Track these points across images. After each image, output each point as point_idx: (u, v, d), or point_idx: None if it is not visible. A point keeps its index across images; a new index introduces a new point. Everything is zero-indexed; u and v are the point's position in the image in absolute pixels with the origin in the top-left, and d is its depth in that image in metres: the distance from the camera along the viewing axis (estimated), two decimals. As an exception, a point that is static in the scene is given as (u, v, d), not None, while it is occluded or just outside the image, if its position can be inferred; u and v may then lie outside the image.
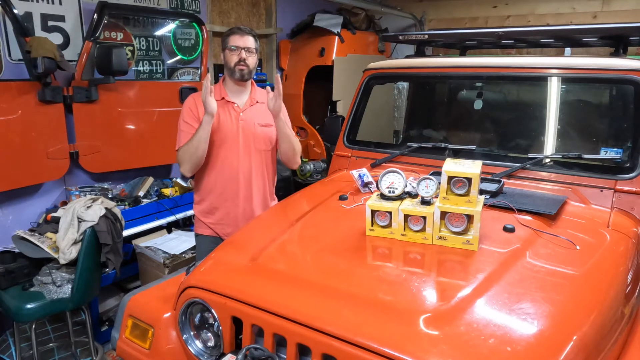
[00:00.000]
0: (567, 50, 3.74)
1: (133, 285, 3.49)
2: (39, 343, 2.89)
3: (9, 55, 3.04)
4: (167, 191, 3.61)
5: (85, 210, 2.67)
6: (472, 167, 1.61)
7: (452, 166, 1.62)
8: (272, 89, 2.26)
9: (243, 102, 2.39)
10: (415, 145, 2.45)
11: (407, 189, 1.78)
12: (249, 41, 2.31)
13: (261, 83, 4.14)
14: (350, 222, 1.86)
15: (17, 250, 2.73)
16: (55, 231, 2.69)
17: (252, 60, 2.33)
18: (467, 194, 1.59)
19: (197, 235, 2.54)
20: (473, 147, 2.32)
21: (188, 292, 1.61)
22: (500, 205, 1.87)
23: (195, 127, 2.28)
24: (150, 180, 3.62)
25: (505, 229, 1.72)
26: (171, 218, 3.56)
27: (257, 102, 2.42)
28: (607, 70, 2.11)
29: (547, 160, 2.15)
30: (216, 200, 2.41)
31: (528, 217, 1.81)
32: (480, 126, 2.71)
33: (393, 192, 1.74)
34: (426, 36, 2.70)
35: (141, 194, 3.50)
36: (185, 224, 3.80)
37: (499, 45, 3.03)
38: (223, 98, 2.35)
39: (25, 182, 3.03)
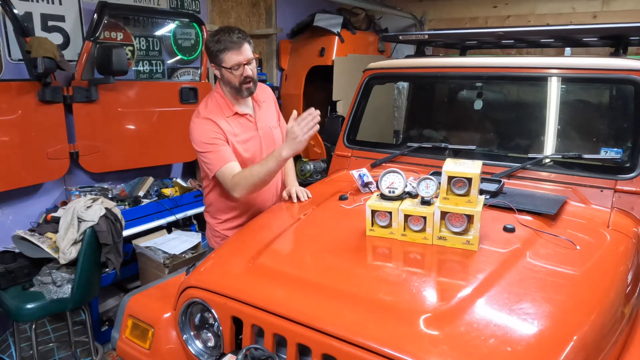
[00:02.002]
0: (567, 50, 3.74)
1: (133, 285, 3.49)
2: (39, 343, 2.89)
3: (9, 55, 3.04)
4: (167, 191, 3.61)
5: (85, 210, 2.67)
6: (472, 167, 1.61)
7: (452, 166, 1.62)
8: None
9: (251, 109, 2.26)
10: (415, 145, 2.45)
11: (407, 189, 1.77)
12: (247, 50, 2.05)
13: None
14: (350, 222, 1.86)
15: (17, 250, 2.73)
16: (55, 231, 2.69)
17: (255, 70, 2.12)
18: (467, 194, 1.59)
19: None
20: (473, 147, 2.32)
21: (188, 292, 1.61)
22: (500, 205, 1.87)
23: (224, 143, 2.09)
24: (150, 180, 3.62)
25: (505, 229, 1.72)
26: (171, 218, 3.56)
27: (261, 102, 2.31)
28: (607, 70, 2.11)
29: (547, 160, 2.15)
30: (253, 215, 2.26)
31: (528, 217, 1.81)
32: (480, 126, 2.71)
33: (393, 192, 1.74)
34: (426, 36, 2.69)
35: (141, 194, 3.50)
36: (186, 224, 3.80)
37: (499, 45, 3.03)
38: (236, 113, 2.17)
39: (25, 182, 3.03)
